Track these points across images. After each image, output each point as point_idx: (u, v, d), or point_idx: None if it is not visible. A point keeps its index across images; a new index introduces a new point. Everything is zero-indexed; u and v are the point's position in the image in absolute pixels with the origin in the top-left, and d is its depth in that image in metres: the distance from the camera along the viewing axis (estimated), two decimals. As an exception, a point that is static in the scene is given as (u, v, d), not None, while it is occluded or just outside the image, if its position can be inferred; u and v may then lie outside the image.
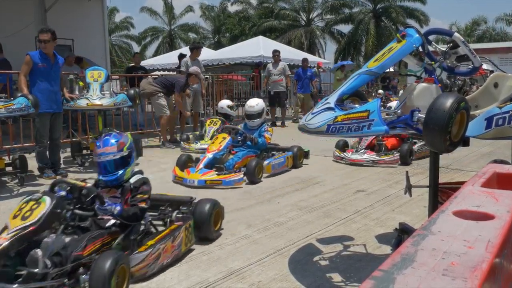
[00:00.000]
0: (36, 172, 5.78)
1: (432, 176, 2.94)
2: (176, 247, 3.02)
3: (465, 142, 2.56)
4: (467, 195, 1.45)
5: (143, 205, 2.98)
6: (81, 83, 6.44)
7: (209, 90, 10.72)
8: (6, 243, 2.36)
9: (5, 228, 2.47)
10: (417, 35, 2.64)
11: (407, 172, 3.40)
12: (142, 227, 3.05)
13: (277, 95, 11.85)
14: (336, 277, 2.79)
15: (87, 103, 6.06)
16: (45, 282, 2.36)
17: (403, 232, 3.13)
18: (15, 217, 2.52)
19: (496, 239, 1.06)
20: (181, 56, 13.36)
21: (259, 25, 37.17)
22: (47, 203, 2.55)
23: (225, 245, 3.34)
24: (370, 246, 3.32)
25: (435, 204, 2.91)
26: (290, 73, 12.12)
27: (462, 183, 2.27)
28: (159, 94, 7.97)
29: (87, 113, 8.29)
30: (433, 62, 2.74)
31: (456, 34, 2.65)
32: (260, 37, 18.60)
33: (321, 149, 7.58)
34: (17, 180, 5.36)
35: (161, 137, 8.44)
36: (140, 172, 3.25)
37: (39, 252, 2.41)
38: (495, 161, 3.24)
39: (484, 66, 3.25)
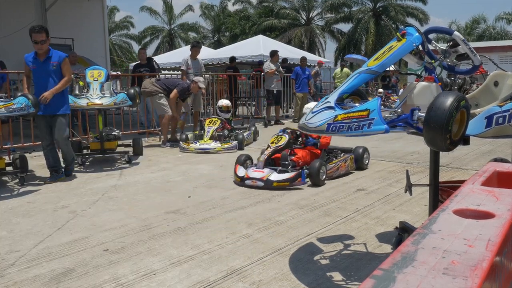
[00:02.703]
0: (37, 172, 5.78)
1: (433, 174, 2.94)
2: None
3: (465, 140, 2.56)
4: (467, 193, 1.45)
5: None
6: (81, 83, 6.44)
7: (209, 89, 10.71)
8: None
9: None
10: (417, 33, 2.64)
11: (407, 170, 3.40)
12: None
13: (278, 94, 11.95)
14: (337, 276, 2.80)
15: (87, 103, 6.06)
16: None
17: (404, 230, 3.14)
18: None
19: (497, 237, 1.06)
20: (233, 60, 13.56)
21: (259, 24, 37.22)
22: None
23: (226, 244, 3.34)
24: (370, 245, 3.32)
25: (435, 202, 2.91)
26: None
27: (462, 181, 2.27)
28: (160, 94, 7.96)
29: (87, 112, 8.31)
30: (433, 61, 2.74)
31: (456, 32, 2.65)
32: (260, 36, 18.60)
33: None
34: (17, 180, 5.37)
35: (161, 136, 8.44)
36: None
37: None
38: (496, 160, 3.25)
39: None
